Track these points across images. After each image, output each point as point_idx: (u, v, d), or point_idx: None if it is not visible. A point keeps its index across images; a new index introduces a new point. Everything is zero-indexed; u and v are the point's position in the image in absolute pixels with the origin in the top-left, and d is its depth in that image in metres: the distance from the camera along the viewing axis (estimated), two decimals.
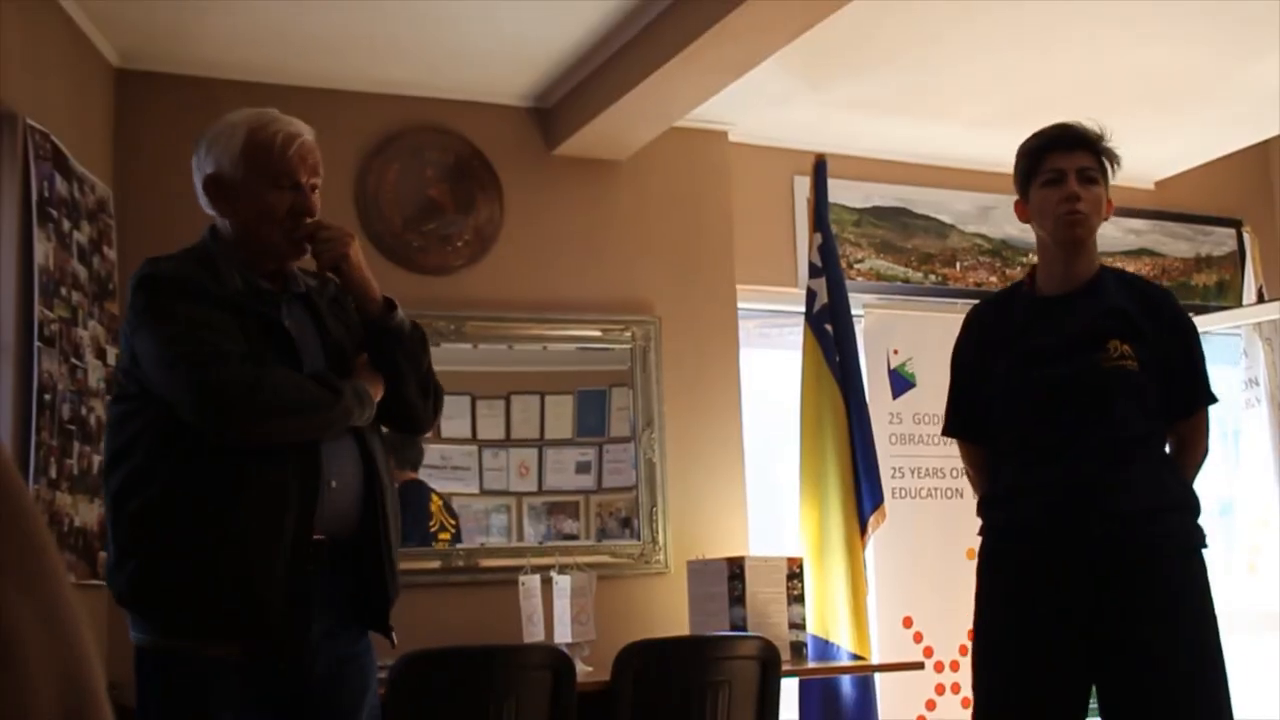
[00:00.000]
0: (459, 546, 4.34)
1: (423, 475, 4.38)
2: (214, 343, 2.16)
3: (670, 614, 4.37)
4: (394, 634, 2.40)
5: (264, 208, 2.28)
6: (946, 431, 2.97)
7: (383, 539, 2.30)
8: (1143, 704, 2.59)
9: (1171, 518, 2.65)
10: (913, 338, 4.89)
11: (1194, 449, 2.74)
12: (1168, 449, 2.73)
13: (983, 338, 2.83)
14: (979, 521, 2.84)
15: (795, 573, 4.19)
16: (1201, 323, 5.57)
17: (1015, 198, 2.83)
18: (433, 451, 4.37)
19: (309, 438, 2.21)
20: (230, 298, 2.24)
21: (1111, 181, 2.79)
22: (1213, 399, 2.74)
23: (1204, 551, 2.67)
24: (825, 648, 4.29)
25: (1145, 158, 5.38)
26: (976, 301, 3.03)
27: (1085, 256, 2.74)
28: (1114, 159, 2.76)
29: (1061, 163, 2.70)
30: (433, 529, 4.37)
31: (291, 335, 2.28)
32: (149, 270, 2.25)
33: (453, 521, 4.41)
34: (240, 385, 2.14)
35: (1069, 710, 2.65)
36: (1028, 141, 2.80)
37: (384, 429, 2.45)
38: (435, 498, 4.40)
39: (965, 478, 3.05)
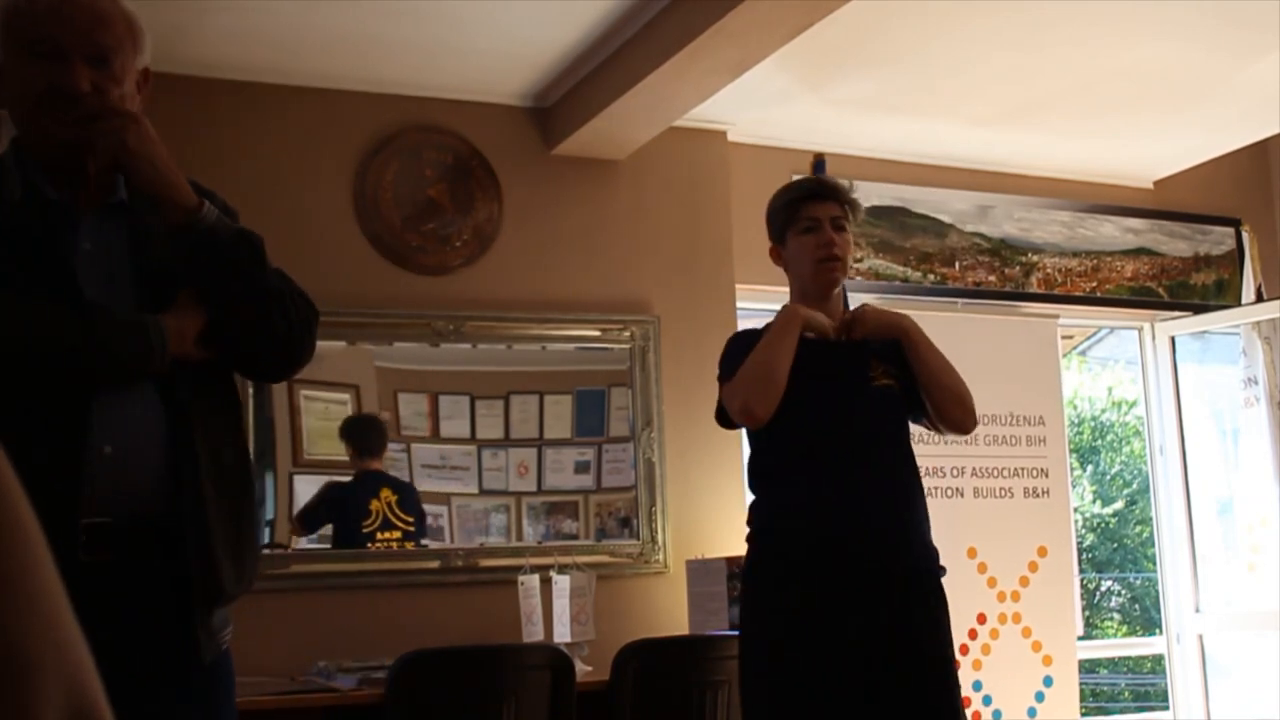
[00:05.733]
0: (457, 546, 4.33)
1: (423, 475, 4.33)
2: None
3: (669, 613, 4.37)
4: (220, 639, 1.87)
5: (21, 87, 1.86)
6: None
7: (196, 520, 1.80)
8: None
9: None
10: None
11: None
12: None
13: None
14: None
15: None
16: (1200, 322, 5.61)
17: (771, 244, 2.96)
18: (432, 451, 4.36)
19: (55, 388, 1.75)
20: (4, 215, 1.83)
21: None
22: None
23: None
24: None
25: (1144, 157, 5.38)
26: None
27: (837, 299, 2.94)
28: (858, 209, 2.95)
29: (817, 211, 2.88)
30: (369, 527, 4.15)
31: (65, 259, 1.82)
32: None
33: (407, 519, 4.23)
34: None
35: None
36: (783, 195, 2.96)
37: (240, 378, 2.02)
38: (387, 492, 4.23)
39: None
